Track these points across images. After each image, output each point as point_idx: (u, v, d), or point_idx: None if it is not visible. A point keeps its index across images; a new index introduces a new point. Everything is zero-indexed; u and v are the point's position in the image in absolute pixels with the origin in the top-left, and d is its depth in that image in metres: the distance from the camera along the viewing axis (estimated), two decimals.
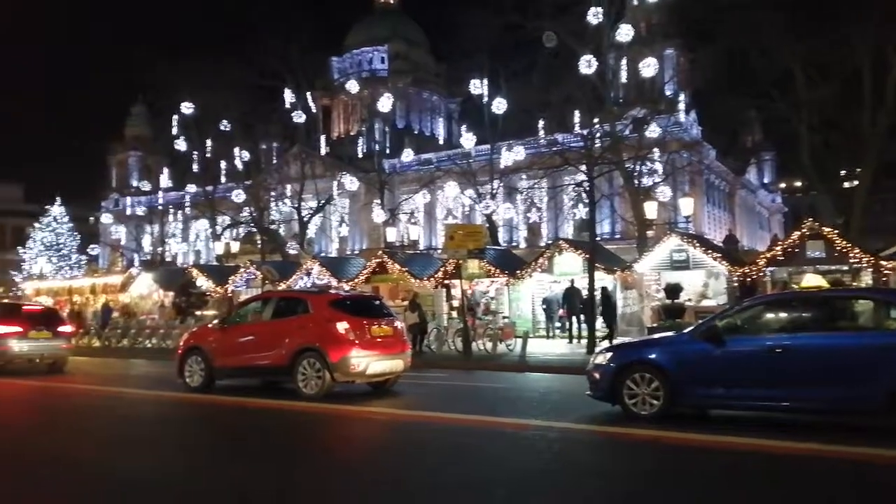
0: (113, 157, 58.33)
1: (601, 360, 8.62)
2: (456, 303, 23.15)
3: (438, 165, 38.87)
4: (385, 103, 32.94)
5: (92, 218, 53.20)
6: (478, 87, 30.47)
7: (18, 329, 15.99)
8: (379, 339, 10.93)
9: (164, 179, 43.32)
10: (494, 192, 32.12)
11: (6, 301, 26.39)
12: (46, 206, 52.80)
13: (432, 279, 24.03)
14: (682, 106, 33.23)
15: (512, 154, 28.20)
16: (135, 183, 52.12)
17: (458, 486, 5.71)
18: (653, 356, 8.24)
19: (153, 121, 48.28)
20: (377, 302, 12.51)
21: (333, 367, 10.38)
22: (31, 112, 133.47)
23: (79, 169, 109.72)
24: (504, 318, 21.20)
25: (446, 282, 23.90)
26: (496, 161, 31.28)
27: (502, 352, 17.74)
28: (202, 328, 14.17)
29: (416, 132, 56.75)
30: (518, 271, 23.48)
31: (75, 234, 52.13)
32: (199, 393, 11.56)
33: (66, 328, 17.76)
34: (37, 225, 52.47)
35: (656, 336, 10.20)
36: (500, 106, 29.38)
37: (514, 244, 41.27)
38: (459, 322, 18.44)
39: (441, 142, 55.77)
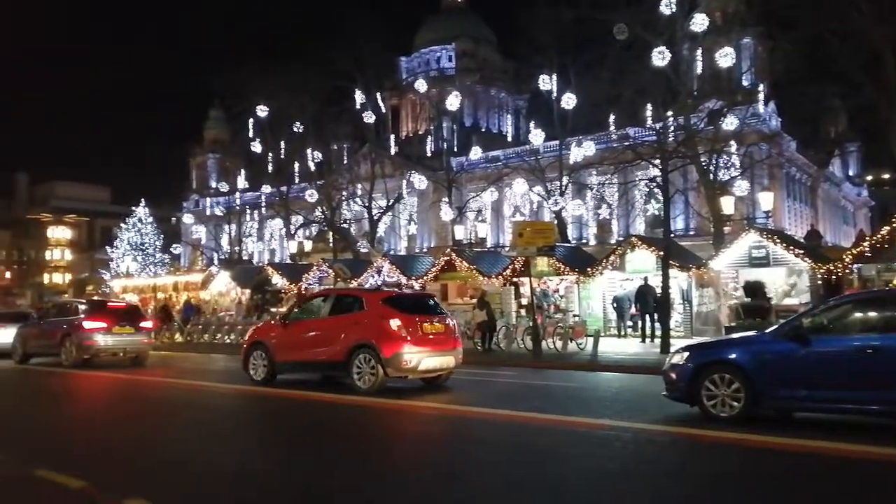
0: (193, 160, 60.70)
1: (678, 359, 8.35)
2: (525, 301, 22.98)
3: (506, 162, 38.65)
4: (453, 102, 33.00)
5: (174, 218, 55.56)
6: (546, 82, 30.13)
7: (103, 324, 16.87)
8: (431, 336, 11.13)
9: (241, 180, 44.76)
10: (564, 188, 31.71)
11: (93, 298, 27.88)
12: (132, 208, 55.55)
13: (500, 277, 23.92)
14: (760, 97, 31.90)
15: (582, 150, 27.73)
16: (213, 184, 54.08)
17: (532, 485, 5.63)
18: (733, 356, 7.92)
19: (230, 124, 49.99)
20: (430, 300, 12.68)
21: (386, 363, 10.63)
22: (119, 119, 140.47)
23: (162, 172, 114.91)
24: (574, 316, 20.89)
25: (515, 279, 23.75)
26: (565, 157, 30.84)
27: (573, 350, 17.48)
28: (265, 324, 14.67)
29: (483, 130, 56.68)
30: (588, 269, 23.08)
31: (159, 233, 54.67)
32: (263, 386, 12.04)
33: (147, 324, 18.64)
34: (123, 225, 55.26)
35: (736, 336, 9.81)
36: (569, 101, 28.95)
37: (584, 241, 40.66)
38: (528, 320, 18.28)
39: (509, 139, 55.50)
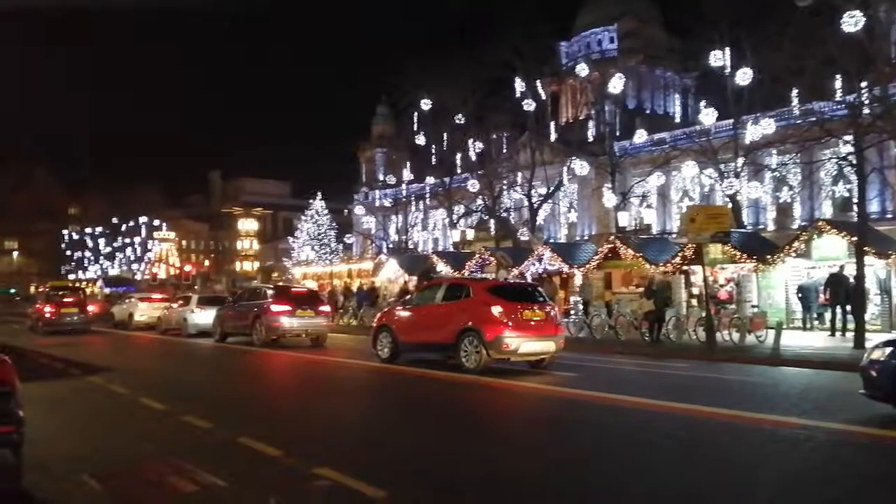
0: (362, 155, 63.87)
1: (879, 355, 7.54)
2: (696, 290, 21.82)
3: (674, 144, 36.71)
4: (616, 84, 31.95)
5: (346, 210, 58.91)
6: (718, 58, 28.23)
7: (288, 308, 18.35)
8: (532, 323, 12.03)
9: (407, 172, 46.47)
10: (738, 170, 29.61)
11: (279, 284, 30.32)
12: (310, 201, 59.90)
13: (669, 265, 22.88)
14: None
15: (759, 128, 25.68)
16: (381, 177, 56.58)
17: (718, 484, 5.37)
18: None
19: (396, 119, 52.03)
20: (532, 289, 13.67)
21: (488, 345, 11.66)
22: (296, 118, 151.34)
23: (335, 166, 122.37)
24: (752, 307, 19.51)
25: (685, 268, 22.60)
26: (740, 136, 28.74)
27: (751, 343, 16.35)
28: (391, 309, 15.83)
29: (648, 112, 54.25)
30: (768, 256, 21.42)
31: (333, 224, 58.53)
32: (388, 363, 13.56)
33: (326, 308, 20.01)
34: (302, 217, 59.79)
35: None
36: (744, 76, 26.91)
37: (762, 227, 37.73)
38: (701, 311, 17.34)
39: (676, 120, 52.69)
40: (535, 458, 6.47)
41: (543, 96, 39.95)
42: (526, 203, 38.19)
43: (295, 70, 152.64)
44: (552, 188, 38.60)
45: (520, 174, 39.73)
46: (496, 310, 11.90)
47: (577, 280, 25.97)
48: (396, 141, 54.55)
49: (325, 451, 6.58)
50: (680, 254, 22.57)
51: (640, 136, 36.29)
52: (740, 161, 29.79)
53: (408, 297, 16.87)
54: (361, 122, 65.23)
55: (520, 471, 5.96)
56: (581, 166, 33.17)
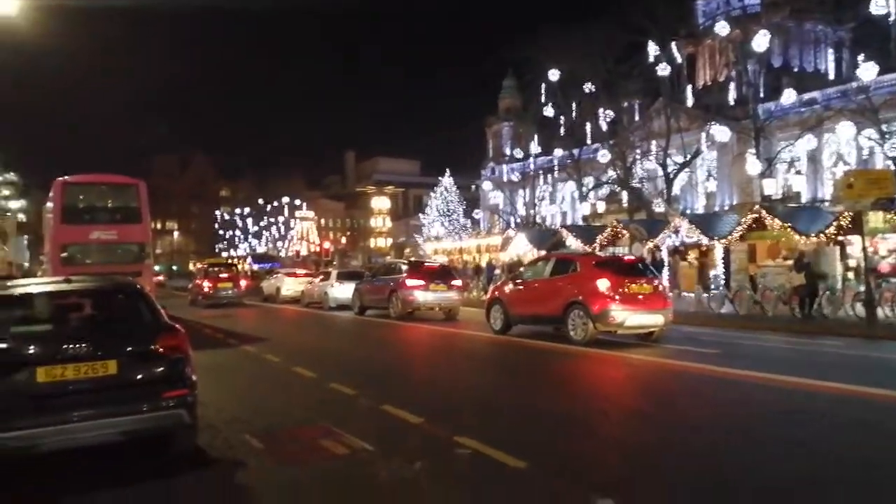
0: (489, 129, 63.93)
1: None
2: (853, 262, 20.12)
3: (827, 104, 33.77)
4: (760, 41, 29.70)
5: (474, 185, 59.39)
6: (879, 5, 25.51)
7: (422, 282, 18.90)
8: (640, 297, 12.22)
9: (534, 145, 45.99)
10: None
11: (412, 259, 31.21)
12: (439, 178, 60.97)
13: (822, 235, 21.18)
14: None
15: None
16: (508, 151, 56.44)
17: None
18: None
19: (523, 91, 51.52)
20: (640, 263, 13.92)
21: (595, 318, 12.02)
22: (425, 97, 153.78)
23: (463, 143, 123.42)
24: None
25: (840, 238, 20.85)
26: None
27: None
28: (502, 283, 16.24)
29: (796, 70, 50.09)
30: None
31: (462, 200, 59.28)
32: (501, 335, 14.18)
33: (458, 282, 20.37)
34: (432, 194, 61.00)
35: None
36: None
37: None
38: (858, 284, 15.98)
39: (829, 77, 48.32)
40: (687, 432, 6.32)
41: (679, 59, 37.96)
42: (660, 173, 36.64)
43: (423, 48, 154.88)
44: (689, 156, 36.75)
45: (654, 142, 38.15)
46: (602, 283, 12.18)
47: (718, 253, 24.71)
48: (524, 114, 54.05)
49: (463, 419, 6.80)
50: (834, 223, 20.82)
51: (788, 97, 33.59)
52: None
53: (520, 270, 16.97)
54: (489, 97, 65.19)
55: (674, 445, 5.85)
56: (721, 132, 31.29)
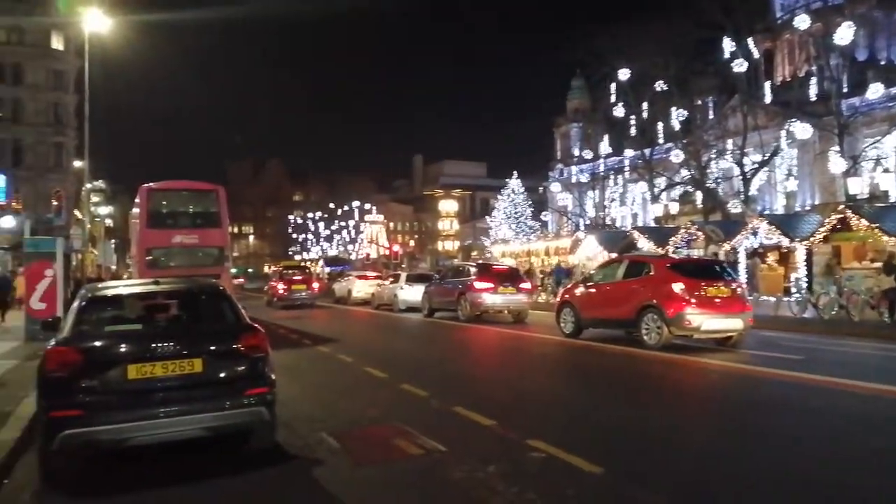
0: (557, 131, 63.34)
1: None
2: None
3: None
4: (844, 34, 28.26)
5: (541, 188, 58.95)
6: None
7: (491, 285, 18.87)
8: (717, 300, 11.81)
9: (604, 146, 45.25)
10: None
11: (480, 262, 31.24)
12: (506, 180, 60.84)
13: None
14: None
15: None
16: (577, 152, 55.72)
17: None
18: None
19: (591, 92, 50.80)
20: (717, 266, 13.57)
21: (670, 322, 11.67)
22: (492, 100, 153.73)
23: (529, 145, 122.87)
24: None
25: None
26: None
27: None
28: (573, 285, 15.97)
29: (882, 63, 47.53)
30: None
31: (529, 202, 58.94)
32: (571, 338, 14.01)
33: (527, 285, 20.25)
34: (499, 196, 60.89)
35: None
36: None
37: None
38: None
39: None
40: (769, 440, 6.09)
41: (756, 54, 36.59)
42: (737, 172, 35.42)
43: (489, 51, 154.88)
44: (767, 154, 35.39)
45: (730, 141, 36.94)
46: (677, 286, 11.88)
47: (800, 255, 23.68)
48: (592, 114, 53.31)
49: (535, 423, 6.77)
50: None
51: (875, 92, 31.89)
52: None
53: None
54: (556, 99, 64.62)
55: (755, 454, 5.66)
56: (802, 129, 29.97)
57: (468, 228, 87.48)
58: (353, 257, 73.56)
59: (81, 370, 5.02)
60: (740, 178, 34.92)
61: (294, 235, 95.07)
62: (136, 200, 17.50)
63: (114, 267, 39.07)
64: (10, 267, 33.37)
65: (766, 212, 38.16)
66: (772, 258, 27.02)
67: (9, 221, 35.70)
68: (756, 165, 35.24)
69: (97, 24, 24.41)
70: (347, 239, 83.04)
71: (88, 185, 32.46)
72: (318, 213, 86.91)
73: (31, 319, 14.10)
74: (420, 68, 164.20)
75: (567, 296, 15.01)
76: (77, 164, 45.54)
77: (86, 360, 5.06)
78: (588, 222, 46.95)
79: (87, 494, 5.07)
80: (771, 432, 6.47)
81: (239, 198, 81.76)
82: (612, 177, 47.48)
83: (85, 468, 5.31)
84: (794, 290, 21.94)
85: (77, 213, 44.76)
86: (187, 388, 5.25)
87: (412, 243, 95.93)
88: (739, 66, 33.23)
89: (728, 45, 33.06)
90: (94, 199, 50.22)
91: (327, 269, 57.04)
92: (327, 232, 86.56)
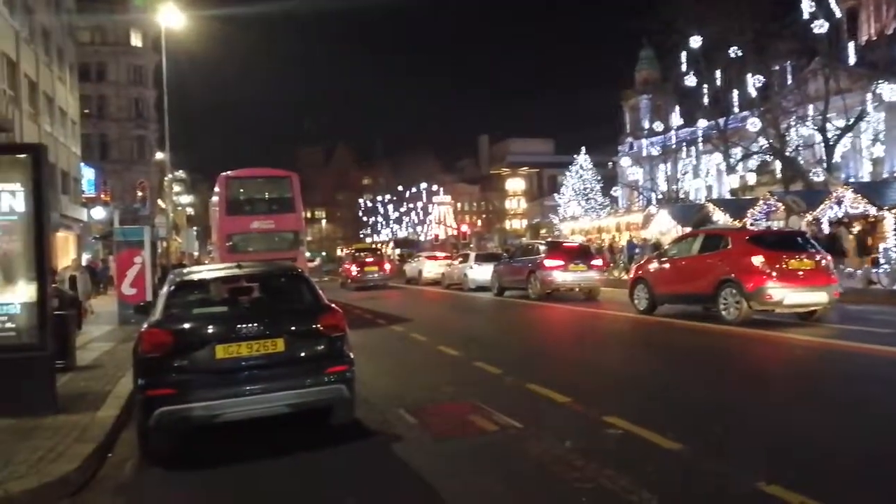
0: (625, 104, 61.73)
1: None
2: None
3: None
4: None
5: (611, 163, 57.74)
6: None
7: (561, 262, 18.73)
8: (800, 273, 11.41)
9: (675, 118, 43.85)
10: None
11: (550, 239, 30.97)
12: (574, 156, 59.89)
13: None
14: None
15: None
16: (647, 125, 54.23)
17: None
18: None
19: (661, 62, 49.24)
20: (799, 238, 12.88)
21: (749, 297, 11.33)
22: (557, 75, 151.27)
23: (597, 120, 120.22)
24: None
25: None
26: None
27: None
28: (646, 261, 15.69)
29: None
30: None
31: (598, 178, 57.88)
32: (646, 315, 13.77)
33: (598, 262, 19.96)
34: (567, 173, 60.05)
35: None
36: None
37: None
38: None
39: None
40: (861, 419, 5.88)
41: (838, 14, 34.62)
42: (819, 139, 33.75)
43: (552, 25, 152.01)
44: (852, 119, 33.54)
45: (810, 107, 35.17)
46: (757, 260, 11.50)
47: (889, 223, 22.45)
48: (662, 85, 51.73)
49: (610, 400, 6.73)
50: None
51: None
52: None
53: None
54: (624, 71, 62.86)
55: (847, 431, 5.48)
56: (891, 90, 28.27)
57: (536, 206, 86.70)
58: (422, 238, 74.19)
59: (174, 351, 5.32)
60: (822, 144, 33.27)
61: (364, 218, 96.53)
62: (216, 189, 18.18)
63: (196, 253, 40.75)
64: (100, 255, 35.29)
65: (851, 179, 36.25)
66: (858, 227, 25.70)
67: (99, 212, 37.77)
68: (839, 131, 33.47)
69: (172, 19, 25.29)
70: (416, 221, 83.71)
71: (170, 176, 33.86)
72: (387, 196, 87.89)
73: (122, 304, 14.95)
74: (480, 45, 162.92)
75: (640, 272, 14.79)
76: (159, 155, 47.56)
77: (177, 342, 5.35)
78: (660, 196, 45.77)
79: (183, 467, 5.39)
80: (863, 408, 6.23)
81: (310, 183, 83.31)
82: (684, 149, 46.07)
83: (181, 443, 5.63)
84: (882, 260, 20.85)
85: (160, 202, 46.85)
86: (270, 367, 5.48)
87: (479, 223, 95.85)
88: (820, 27, 31.48)
89: (807, 6, 31.35)
90: (176, 188, 52.41)
91: (397, 251, 57.80)
92: (396, 214, 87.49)
